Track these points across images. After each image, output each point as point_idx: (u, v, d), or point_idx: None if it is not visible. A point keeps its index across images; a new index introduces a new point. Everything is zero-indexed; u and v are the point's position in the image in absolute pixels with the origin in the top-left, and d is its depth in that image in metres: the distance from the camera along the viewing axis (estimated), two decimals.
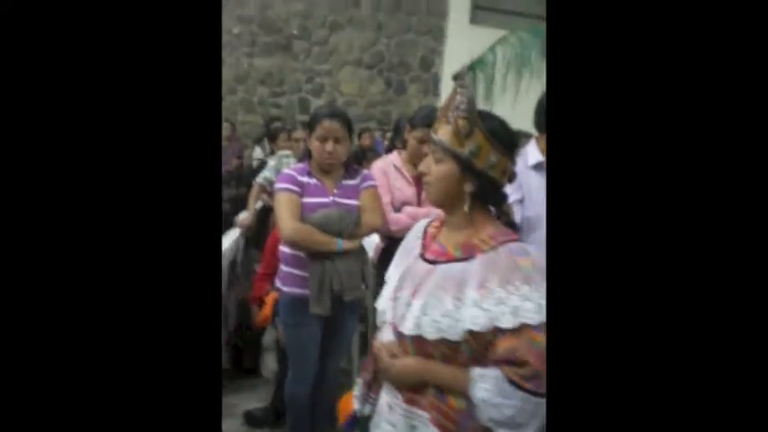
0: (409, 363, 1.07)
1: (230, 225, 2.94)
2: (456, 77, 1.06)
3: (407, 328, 1.03)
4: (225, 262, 2.30)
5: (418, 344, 1.03)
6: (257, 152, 5.42)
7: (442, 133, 1.03)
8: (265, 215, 3.21)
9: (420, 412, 1.04)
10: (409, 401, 1.06)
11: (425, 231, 1.18)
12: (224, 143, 5.08)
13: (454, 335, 0.97)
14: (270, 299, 2.41)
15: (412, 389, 1.06)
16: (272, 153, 3.95)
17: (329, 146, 1.86)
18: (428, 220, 1.22)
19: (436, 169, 1.05)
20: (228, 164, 4.74)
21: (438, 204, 1.11)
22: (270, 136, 4.28)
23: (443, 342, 0.99)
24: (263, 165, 3.63)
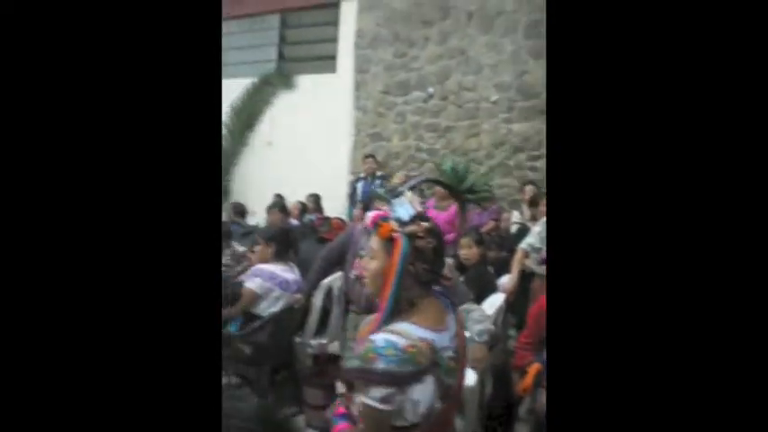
0: None
1: (494, 289, 2.97)
2: None
3: None
4: (491, 327, 2.32)
5: None
6: (515, 216, 5.45)
7: None
8: (527, 281, 3.17)
9: None
10: None
11: None
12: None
13: None
14: (533, 369, 2.33)
15: None
16: (533, 218, 3.92)
17: None
18: None
19: None
20: (486, 225, 4.86)
21: None
22: (529, 201, 4.28)
23: None
24: (524, 229, 3.63)
